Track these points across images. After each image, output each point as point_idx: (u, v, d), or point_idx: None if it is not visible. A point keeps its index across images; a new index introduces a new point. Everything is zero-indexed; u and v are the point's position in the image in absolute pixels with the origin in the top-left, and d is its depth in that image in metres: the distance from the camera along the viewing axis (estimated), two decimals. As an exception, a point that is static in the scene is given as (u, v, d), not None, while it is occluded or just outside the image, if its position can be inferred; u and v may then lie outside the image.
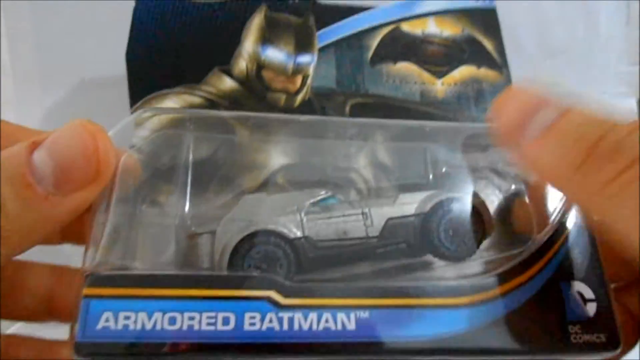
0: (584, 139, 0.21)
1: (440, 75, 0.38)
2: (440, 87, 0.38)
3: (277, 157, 0.31)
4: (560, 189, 0.23)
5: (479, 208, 0.26)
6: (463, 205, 0.26)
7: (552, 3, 0.32)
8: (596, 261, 0.25)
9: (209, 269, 0.24)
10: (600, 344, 0.24)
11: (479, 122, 0.32)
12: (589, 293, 0.25)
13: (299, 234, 0.24)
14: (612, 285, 0.26)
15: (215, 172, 0.30)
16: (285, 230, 0.24)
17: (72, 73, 0.35)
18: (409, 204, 0.26)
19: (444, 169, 0.29)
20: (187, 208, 0.27)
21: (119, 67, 0.34)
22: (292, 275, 0.24)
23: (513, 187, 0.28)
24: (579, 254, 0.25)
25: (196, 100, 0.34)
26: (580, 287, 0.25)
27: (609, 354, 0.24)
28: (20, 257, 0.27)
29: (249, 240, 0.24)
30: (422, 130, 0.30)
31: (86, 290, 0.22)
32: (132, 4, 0.36)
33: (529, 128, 0.22)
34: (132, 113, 0.32)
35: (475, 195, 0.27)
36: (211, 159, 0.30)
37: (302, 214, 0.25)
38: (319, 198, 0.25)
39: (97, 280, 0.22)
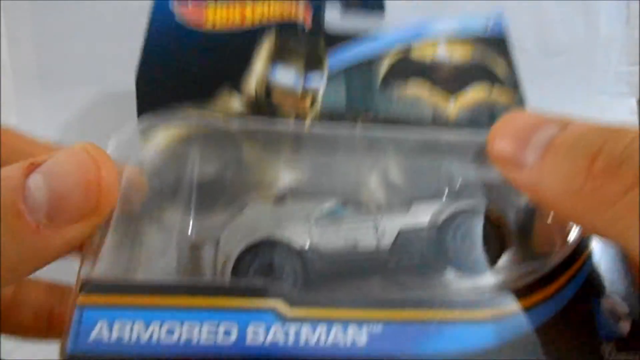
0: (584, 152, 0.19)
1: (452, 96, 0.37)
2: (453, 108, 0.37)
3: (285, 174, 0.30)
4: (566, 217, 0.21)
5: (497, 220, 0.25)
6: (480, 216, 0.25)
7: (552, 3, 0.32)
8: (626, 275, 0.24)
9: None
10: (636, 364, 0.22)
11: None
12: (623, 308, 0.23)
13: (306, 244, 0.23)
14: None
15: (221, 191, 0.29)
16: (291, 240, 0.23)
17: (72, 73, 0.35)
18: (423, 215, 0.24)
19: (459, 184, 0.28)
20: (190, 226, 0.26)
21: (122, 69, 0.33)
22: (298, 288, 0.22)
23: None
24: (607, 267, 0.24)
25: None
26: (612, 303, 0.23)
27: None
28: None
29: (253, 250, 0.22)
30: (436, 145, 0.29)
31: (81, 299, 0.20)
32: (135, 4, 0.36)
33: (529, 148, 0.22)
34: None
35: (493, 207, 0.25)
36: (218, 177, 0.29)
37: (311, 224, 0.23)
38: (328, 208, 0.24)
39: (93, 287, 0.20)
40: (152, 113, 0.32)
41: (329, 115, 0.35)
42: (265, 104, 0.35)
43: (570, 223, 0.25)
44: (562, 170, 0.20)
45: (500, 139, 0.23)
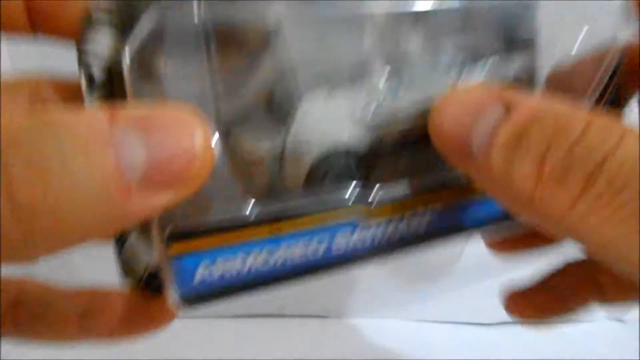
0: (531, 155, 0.18)
1: None
2: None
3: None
4: (524, 219, 0.21)
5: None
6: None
7: (552, 3, 0.27)
8: None
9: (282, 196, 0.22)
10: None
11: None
12: None
13: (367, 145, 0.23)
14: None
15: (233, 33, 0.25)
16: (354, 144, 0.22)
17: (73, 73, 0.25)
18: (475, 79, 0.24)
19: None
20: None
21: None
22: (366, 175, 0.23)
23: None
24: None
25: None
26: None
27: None
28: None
29: (320, 164, 0.22)
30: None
31: (174, 249, 0.20)
32: None
33: (474, 135, 0.20)
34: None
35: None
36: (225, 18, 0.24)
37: (367, 119, 0.23)
38: (376, 93, 0.23)
39: (179, 236, 0.20)
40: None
41: None
42: None
43: None
44: (510, 171, 0.19)
45: (444, 117, 0.21)
